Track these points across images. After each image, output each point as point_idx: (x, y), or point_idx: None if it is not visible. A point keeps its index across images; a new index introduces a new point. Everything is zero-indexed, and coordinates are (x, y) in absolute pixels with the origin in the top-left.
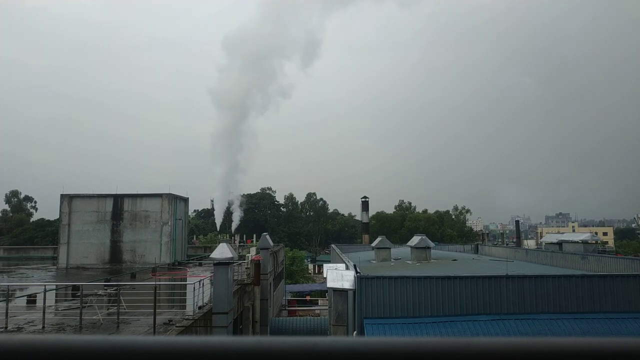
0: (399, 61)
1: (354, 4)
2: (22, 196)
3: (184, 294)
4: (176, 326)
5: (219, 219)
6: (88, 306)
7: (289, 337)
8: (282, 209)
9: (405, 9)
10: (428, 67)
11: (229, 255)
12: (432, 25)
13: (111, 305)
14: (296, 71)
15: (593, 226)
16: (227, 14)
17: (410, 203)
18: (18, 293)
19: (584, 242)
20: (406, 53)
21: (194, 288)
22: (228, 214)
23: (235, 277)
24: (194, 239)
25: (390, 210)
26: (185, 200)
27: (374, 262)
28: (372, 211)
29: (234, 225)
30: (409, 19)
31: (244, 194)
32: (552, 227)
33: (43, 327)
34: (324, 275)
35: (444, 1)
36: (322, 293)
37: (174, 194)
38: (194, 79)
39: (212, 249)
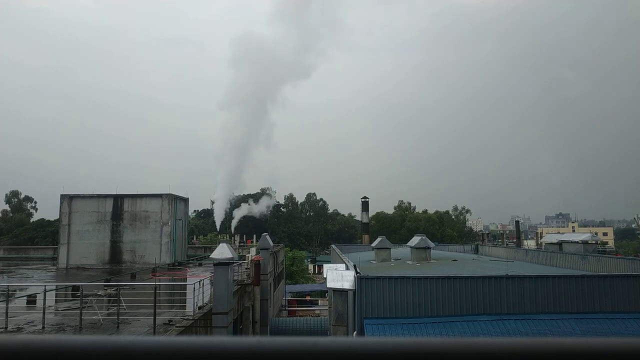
0: (401, 62)
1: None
2: (22, 196)
3: (184, 294)
4: (176, 326)
5: (219, 219)
6: (88, 306)
7: (289, 337)
8: (282, 209)
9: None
10: (430, 69)
11: (229, 255)
12: (435, 25)
13: (111, 306)
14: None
15: (593, 226)
16: (228, 15)
17: (410, 203)
18: (18, 293)
19: (584, 243)
20: (409, 54)
21: (194, 288)
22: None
23: (235, 277)
24: (194, 239)
25: (390, 210)
26: (185, 201)
27: (374, 262)
28: (372, 211)
29: (233, 224)
30: (412, 19)
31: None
32: (552, 227)
33: (43, 327)
34: (324, 276)
35: (447, 1)
36: (322, 293)
37: (174, 194)
38: (195, 80)
39: (212, 249)
